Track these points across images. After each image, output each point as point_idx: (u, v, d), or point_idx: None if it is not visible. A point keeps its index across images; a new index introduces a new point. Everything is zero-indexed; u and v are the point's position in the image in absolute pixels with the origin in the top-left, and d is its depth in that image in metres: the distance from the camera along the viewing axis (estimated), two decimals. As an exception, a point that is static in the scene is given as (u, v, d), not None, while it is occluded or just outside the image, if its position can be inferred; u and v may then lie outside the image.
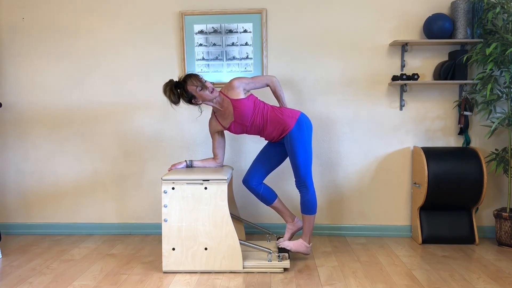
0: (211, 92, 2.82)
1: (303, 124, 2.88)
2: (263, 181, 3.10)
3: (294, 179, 2.96)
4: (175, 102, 2.82)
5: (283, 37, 3.51)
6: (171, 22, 3.55)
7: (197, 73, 3.03)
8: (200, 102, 2.86)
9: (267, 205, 3.09)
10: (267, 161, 3.07)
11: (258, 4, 3.49)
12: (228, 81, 3.50)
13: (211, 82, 2.88)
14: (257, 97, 2.96)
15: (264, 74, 3.51)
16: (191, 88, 2.79)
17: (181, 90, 2.82)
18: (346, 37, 3.49)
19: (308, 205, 2.91)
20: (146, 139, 3.65)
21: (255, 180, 3.04)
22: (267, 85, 3.00)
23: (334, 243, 3.42)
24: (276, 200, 3.08)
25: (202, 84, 2.79)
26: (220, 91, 2.92)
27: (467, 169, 3.22)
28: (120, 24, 3.58)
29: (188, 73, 2.91)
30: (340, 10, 3.47)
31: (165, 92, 2.80)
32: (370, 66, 3.49)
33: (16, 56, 3.66)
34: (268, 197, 3.06)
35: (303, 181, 2.90)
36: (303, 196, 2.92)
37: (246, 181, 3.05)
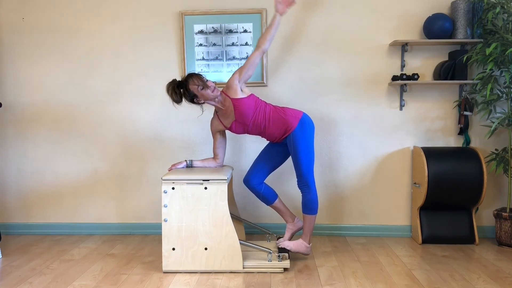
0: (213, 91, 2.82)
1: (305, 124, 2.89)
2: (264, 181, 3.10)
3: (296, 179, 2.96)
4: (177, 101, 2.84)
5: (283, 37, 3.51)
6: (171, 22, 3.55)
7: (199, 73, 3.03)
8: (202, 101, 2.87)
9: (268, 205, 3.09)
10: (268, 161, 3.07)
11: (258, 4, 3.49)
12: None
13: (213, 82, 2.88)
14: (258, 97, 2.96)
15: (264, 74, 3.49)
16: (193, 87, 2.80)
17: (183, 89, 2.83)
18: (346, 37, 3.49)
19: (310, 205, 2.91)
20: (146, 139, 3.65)
21: (256, 179, 3.04)
22: (263, 52, 2.91)
23: (334, 243, 3.42)
24: (276, 200, 3.08)
25: (204, 83, 2.79)
26: (222, 91, 2.93)
27: (467, 169, 3.22)
28: (120, 24, 3.58)
29: (191, 72, 2.91)
30: (340, 10, 3.47)
31: (167, 91, 2.83)
32: (370, 66, 3.49)
33: (16, 56, 3.66)
34: (268, 197, 3.06)
35: (305, 181, 2.90)
36: (305, 196, 2.92)
37: (247, 181, 3.05)
